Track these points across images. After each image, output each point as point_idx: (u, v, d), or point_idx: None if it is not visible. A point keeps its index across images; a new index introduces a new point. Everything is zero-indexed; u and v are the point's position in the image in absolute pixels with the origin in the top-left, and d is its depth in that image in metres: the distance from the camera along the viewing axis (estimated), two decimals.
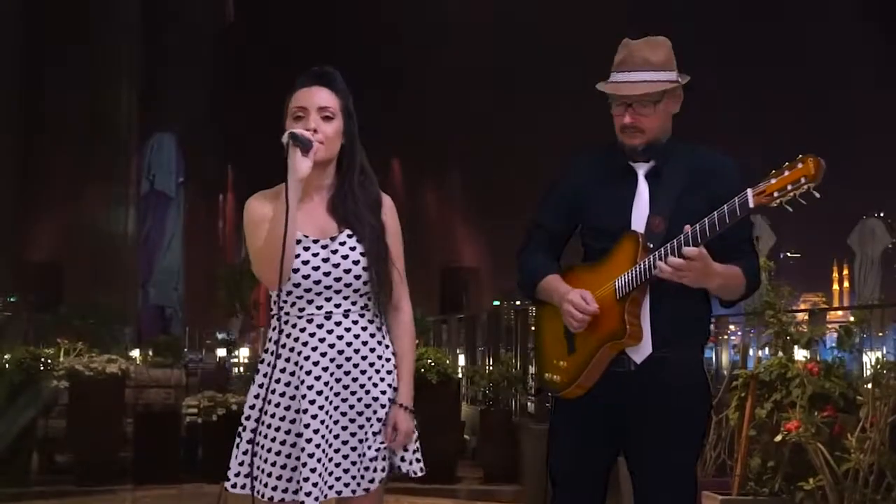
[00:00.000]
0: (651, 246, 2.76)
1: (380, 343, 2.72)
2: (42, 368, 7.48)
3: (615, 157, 2.93)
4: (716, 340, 7.34)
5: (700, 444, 3.04)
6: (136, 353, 11.31)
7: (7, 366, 7.53)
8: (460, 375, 8.83)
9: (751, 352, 6.08)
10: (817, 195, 2.48)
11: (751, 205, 2.55)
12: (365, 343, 2.68)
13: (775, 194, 2.51)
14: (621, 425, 2.88)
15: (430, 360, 7.47)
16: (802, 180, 2.47)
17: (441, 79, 19.88)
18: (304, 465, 2.58)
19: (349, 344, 2.67)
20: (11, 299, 14.66)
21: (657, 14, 15.56)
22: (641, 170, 2.89)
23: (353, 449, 2.66)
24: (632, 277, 2.76)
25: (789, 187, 2.49)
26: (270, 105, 2.91)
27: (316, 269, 2.66)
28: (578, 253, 3.05)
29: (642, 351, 2.81)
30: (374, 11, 19.56)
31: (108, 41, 16.17)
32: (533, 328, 3.20)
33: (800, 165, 2.48)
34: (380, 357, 2.71)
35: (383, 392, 2.69)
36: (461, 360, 10.70)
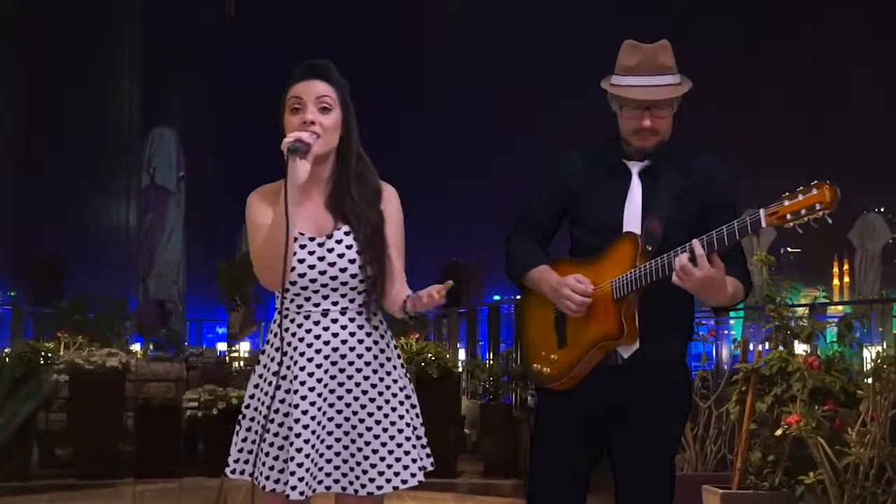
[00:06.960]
0: (650, 249, 2.77)
1: (378, 340, 2.71)
2: (42, 362, 7.46)
3: (609, 153, 2.95)
4: (715, 335, 7.35)
5: (679, 439, 3.09)
6: (136, 346, 11.31)
7: (7, 359, 7.53)
8: (461, 370, 8.83)
9: (751, 346, 6.09)
10: (830, 221, 2.52)
11: (763, 224, 2.58)
12: (361, 341, 2.67)
13: (788, 216, 2.54)
14: (602, 422, 2.92)
15: (430, 355, 7.47)
16: (818, 206, 2.50)
17: (444, 74, 19.87)
18: (292, 459, 2.57)
19: (344, 342, 2.66)
20: (12, 293, 14.66)
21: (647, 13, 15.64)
22: (635, 168, 2.90)
23: (346, 447, 2.64)
24: (631, 279, 2.77)
25: (803, 212, 2.52)
26: (271, 98, 2.89)
27: (312, 267, 2.65)
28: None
29: (630, 347, 2.84)
30: (374, 7, 19.57)
31: (109, 35, 16.16)
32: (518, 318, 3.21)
33: (815, 191, 2.51)
34: (376, 357, 2.69)
35: (380, 393, 2.67)
36: (461, 354, 10.70)
